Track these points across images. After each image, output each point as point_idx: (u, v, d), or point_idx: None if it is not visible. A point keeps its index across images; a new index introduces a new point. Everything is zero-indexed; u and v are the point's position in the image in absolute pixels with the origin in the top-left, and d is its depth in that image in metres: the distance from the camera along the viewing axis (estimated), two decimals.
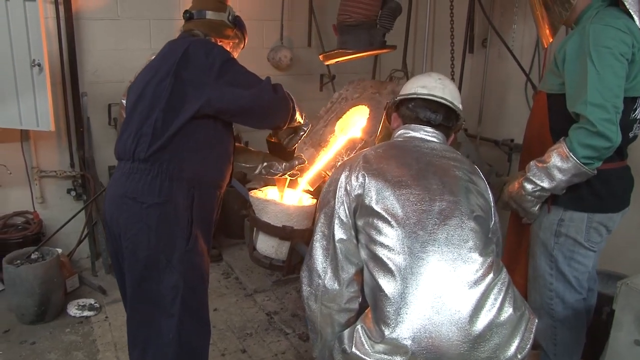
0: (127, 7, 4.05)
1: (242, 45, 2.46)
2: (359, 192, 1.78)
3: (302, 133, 2.44)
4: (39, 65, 3.38)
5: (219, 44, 2.26)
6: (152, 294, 2.04)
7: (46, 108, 3.47)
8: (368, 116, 3.14)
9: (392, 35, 3.33)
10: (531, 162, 2.18)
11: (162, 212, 1.99)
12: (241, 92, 2.03)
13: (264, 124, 2.27)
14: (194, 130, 2.01)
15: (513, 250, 2.54)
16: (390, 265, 1.66)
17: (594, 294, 2.50)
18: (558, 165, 2.07)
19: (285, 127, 2.34)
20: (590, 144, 1.99)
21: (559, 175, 2.09)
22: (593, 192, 2.19)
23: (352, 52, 3.22)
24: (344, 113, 3.32)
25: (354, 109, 3.29)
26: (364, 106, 3.22)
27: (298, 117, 2.33)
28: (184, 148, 2.01)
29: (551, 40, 2.36)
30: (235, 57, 2.24)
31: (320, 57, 3.46)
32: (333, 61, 3.42)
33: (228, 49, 2.28)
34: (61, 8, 3.78)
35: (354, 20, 3.14)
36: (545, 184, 2.13)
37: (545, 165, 2.12)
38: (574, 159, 2.03)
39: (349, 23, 3.16)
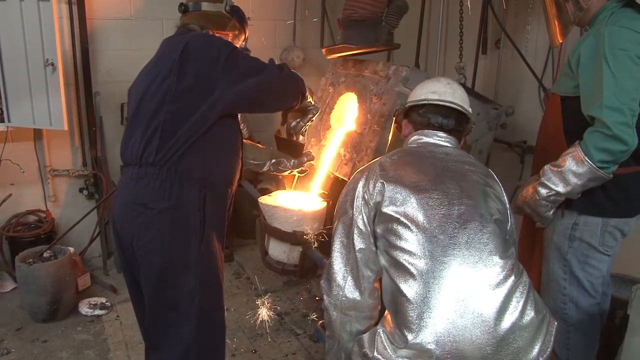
0: (140, 7, 4.07)
1: (243, 37, 2.35)
2: (378, 199, 1.77)
3: (310, 115, 2.42)
4: (52, 64, 3.41)
5: (217, 36, 2.18)
6: (170, 300, 2.00)
7: (59, 107, 3.50)
8: (357, 105, 3.10)
9: (405, 35, 3.29)
10: (545, 167, 2.16)
11: (174, 216, 1.94)
12: (251, 81, 1.99)
13: (278, 106, 2.24)
14: (202, 129, 1.94)
15: (525, 255, 2.51)
16: (412, 269, 1.65)
17: (608, 299, 2.46)
18: (573, 169, 2.05)
19: (297, 107, 2.32)
20: (606, 148, 1.97)
21: (574, 180, 2.06)
22: (608, 197, 2.17)
23: (356, 48, 3.18)
24: (335, 103, 3.28)
25: (342, 97, 3.23)
26: (351, 93, 3.19)
27: (308, 97, 2.32)
28: (192, 148, 1.94)
29: (561, 40, 2.33)
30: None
31: (324, 50, 3.41)
32: (335, 56, 3.37)
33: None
34: (75, 8, 3.81)
35: (360, 15, 3.09)
36: (560, 189, 2.11)
37: (560, 169, 2.09)
38: (589, 163, 2.00)
39: (354, 18, 3.11)
